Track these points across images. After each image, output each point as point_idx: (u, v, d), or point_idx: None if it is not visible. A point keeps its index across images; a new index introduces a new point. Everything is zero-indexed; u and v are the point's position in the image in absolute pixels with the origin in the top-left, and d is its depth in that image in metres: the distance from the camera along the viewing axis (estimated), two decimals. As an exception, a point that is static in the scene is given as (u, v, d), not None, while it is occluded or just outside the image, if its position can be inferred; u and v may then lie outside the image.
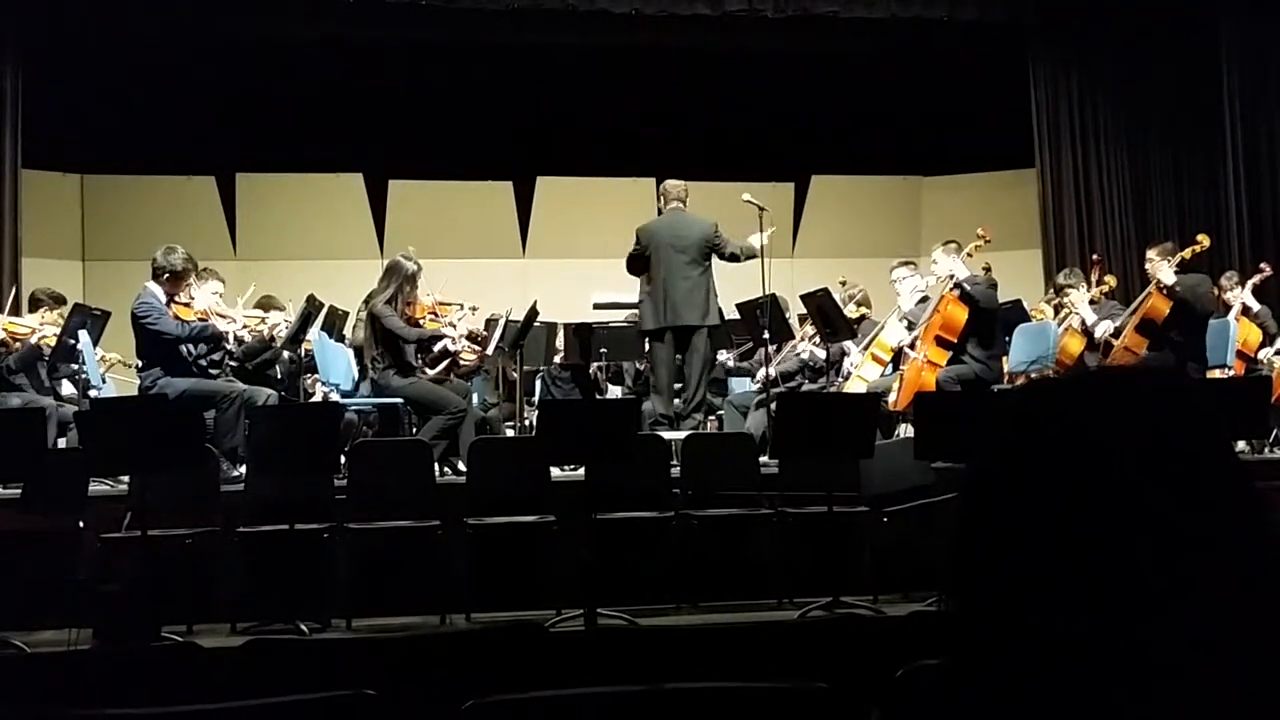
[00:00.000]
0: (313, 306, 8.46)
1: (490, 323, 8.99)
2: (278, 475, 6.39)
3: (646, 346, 9.04)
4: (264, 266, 11.26)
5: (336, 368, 8.79)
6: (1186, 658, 0.75)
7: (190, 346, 7.60)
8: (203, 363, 7.72)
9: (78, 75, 10.67)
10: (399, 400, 7.89)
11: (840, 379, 8.98)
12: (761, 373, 8.89)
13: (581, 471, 6.44)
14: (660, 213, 8.95)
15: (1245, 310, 9.41)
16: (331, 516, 6.34)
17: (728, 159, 11.57)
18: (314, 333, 8.66)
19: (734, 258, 8.58)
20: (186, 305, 7.74)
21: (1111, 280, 9.69)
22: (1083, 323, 8.83)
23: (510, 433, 8.81)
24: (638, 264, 8.60)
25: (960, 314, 8.26)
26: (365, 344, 8.09)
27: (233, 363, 8.21)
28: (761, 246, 8.46)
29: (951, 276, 8.30)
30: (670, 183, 8.83)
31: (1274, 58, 11.09)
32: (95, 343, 8.44)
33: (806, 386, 9.25)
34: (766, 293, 8.49)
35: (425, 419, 7.74)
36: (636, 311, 8.99)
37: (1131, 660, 0.76)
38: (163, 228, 10.19)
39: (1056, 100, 11.62)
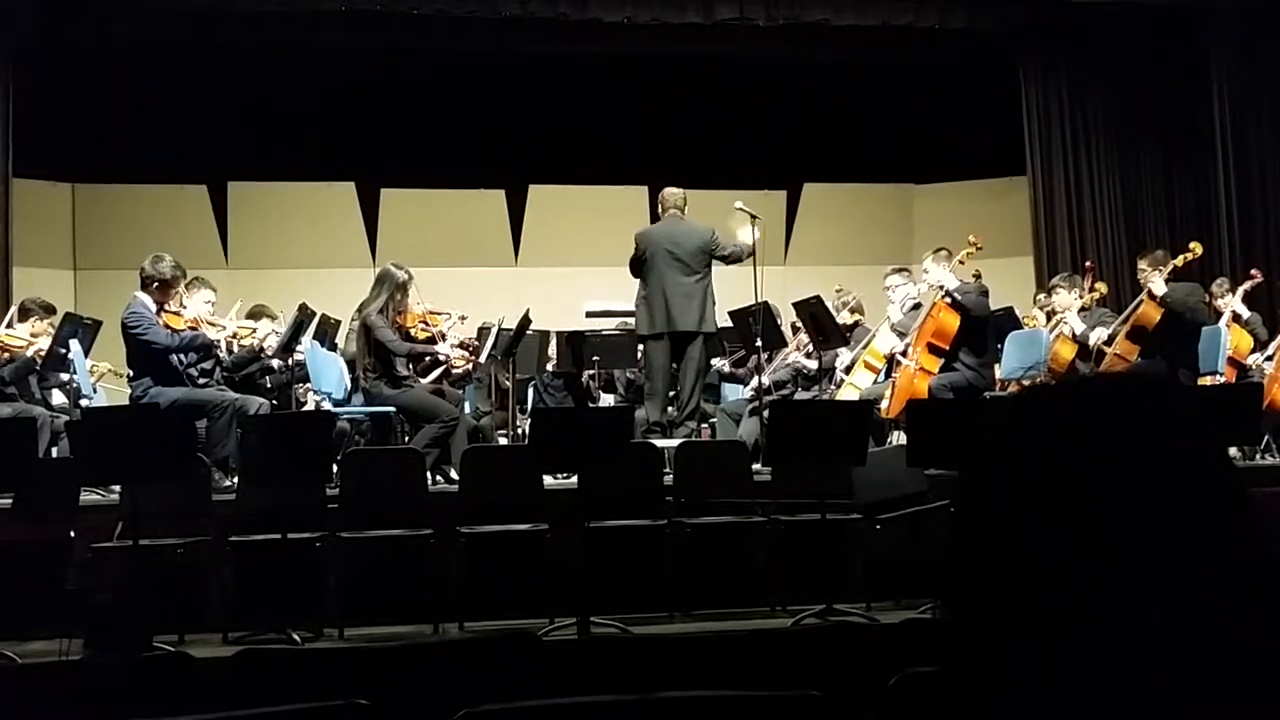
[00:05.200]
0: (305, 315, 8.45)
1: (483, 331, 8.98)
2: (270, 484, 6.38)
3: (639, 350, 9.03)
4: (256, 275, 11.25)
5: (328, 377, 8.76)
6: (1182, 662, 0.75)
7: (181, 356, 7.57)
8: (193, 372, 7.70)
9: (69, 84, 10.66)
10: (391, 409, 7.88)
11: (833, 386, 8.97)
12: (755, 380, 8.88)
13: (574, 479, 6.43)
14: (656, 219, 8.95)
15: (1236, 317, 9.43)
16: (324, 525, 6.34)
17: (720, 167, 11.58)
18: (306, 342, 8.64)
19: (735, 259, 8.56)
20: (177, 314, 7.72)
21: (1103, 287, 9.70)
22: (1073, 330, 8.85)
23: (503, 441, 8.80)
24: (639, 267, 8.62)
25: (952, 321, 8.26)
26: (357, 353, 8.07)
27: (225, 372, 8.19)
28: (754, 243, 8.43)
29: (942, 286, 8.31)
30: (668, 191, 8.83)
31: (1262, 64, 11.13)
32: (86, 352, 8.42)
33: (799, 395, 9.25)
34: (759, 300, 8.49)
35: (418, 427, 7.73)
36: (629, 319, 8.99)
37: (1128, 666, 0.76)
38: (154, 237, 10.15)
39: (1047, 108, 11.65)
